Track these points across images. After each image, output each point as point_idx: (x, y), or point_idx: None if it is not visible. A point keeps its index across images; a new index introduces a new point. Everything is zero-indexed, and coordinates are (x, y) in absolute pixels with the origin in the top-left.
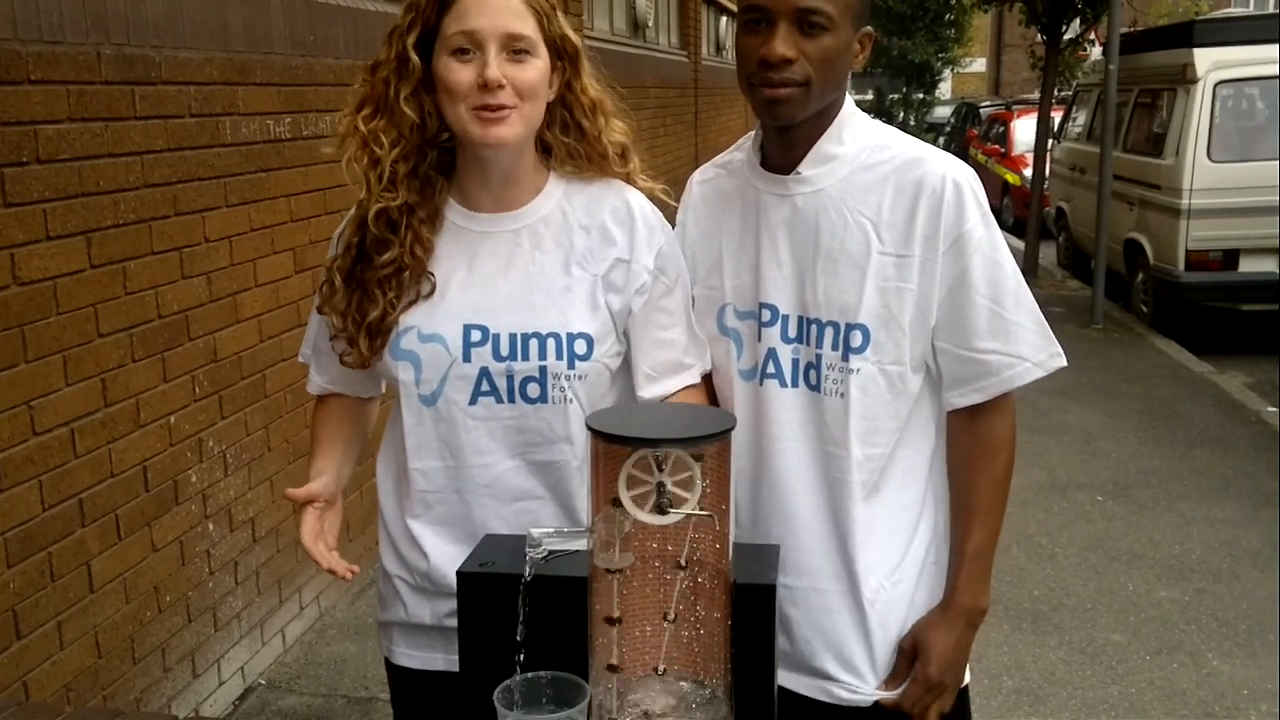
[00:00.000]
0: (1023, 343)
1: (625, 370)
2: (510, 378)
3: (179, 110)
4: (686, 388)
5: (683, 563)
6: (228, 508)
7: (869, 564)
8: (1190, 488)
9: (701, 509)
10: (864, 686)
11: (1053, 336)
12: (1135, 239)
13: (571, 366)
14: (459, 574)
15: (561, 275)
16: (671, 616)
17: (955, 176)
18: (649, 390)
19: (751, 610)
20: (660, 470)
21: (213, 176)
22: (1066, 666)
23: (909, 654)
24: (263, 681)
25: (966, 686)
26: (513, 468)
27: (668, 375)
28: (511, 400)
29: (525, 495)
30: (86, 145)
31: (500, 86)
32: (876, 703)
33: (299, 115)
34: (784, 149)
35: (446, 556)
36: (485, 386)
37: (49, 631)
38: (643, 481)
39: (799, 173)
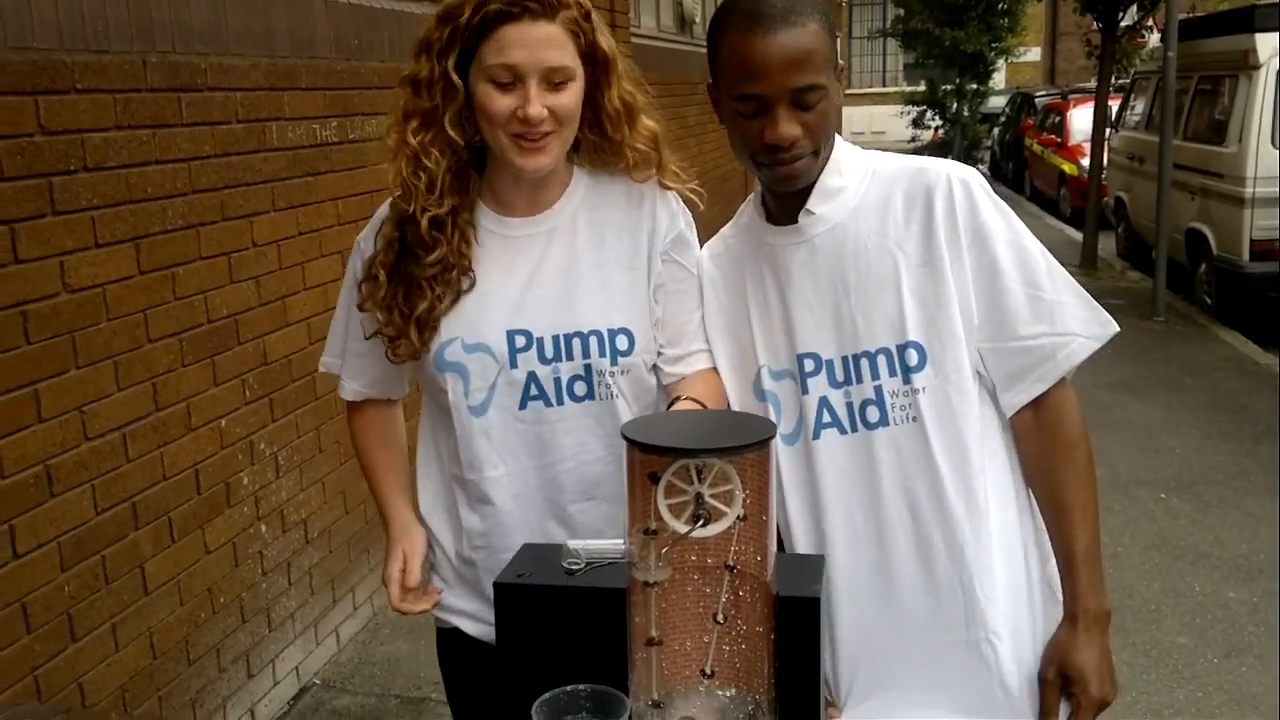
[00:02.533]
0: (1070, 318)
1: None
2: (557, 380)
3: (225, 116)
4: (707, 369)
5: (731, 563)
6: (280, 509)
7: (990, 597)
8: (1257, 484)
9: (741, 521)
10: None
11: (1097, 305)
12: (1197, 229)
13: (615, 363)
14: (496, 585)
15: (595, 271)
16: (721, 618)
17: (960, 175)
18: (673, 368)
19: (795, 623)
20: (699, 481)
21: (260, 181)
22: (1130, 670)
23: (1055, 684)
24: (317, 681)
25: None
26: (567, 470)
27: (691, 358)
28: (560, 402)
29: (581, 497)
30: (134, 153)
31: (541, 121)
32: None
33: (345, 119)
34: (790, 201)
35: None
36: (534, 391)
37: (104, 634)
38: (681, 492)
39: (810, 211)
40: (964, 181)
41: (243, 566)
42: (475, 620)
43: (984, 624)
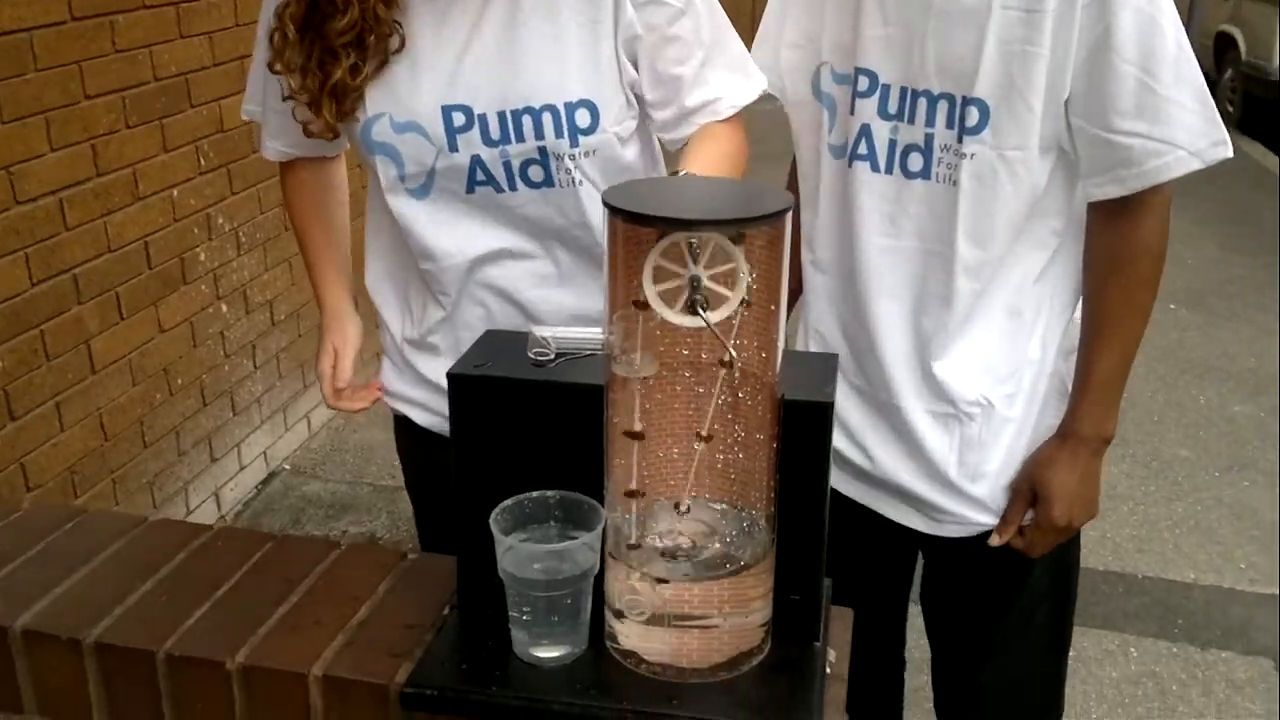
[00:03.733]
0: (1178, 125)
1: (647, 143)
2: (507, 164)
3: None
4: (715, 125)
5: (727, 361)
6: (242, 289)
7: (965, 377)
8: (1269, 298)
9: (745, 309)
10: (973, 515)
11: (1218, 119)
12: (1227, 32)
13: (575, 144)
14: (450, 376)
15: (547, 30)
16: (705, 434)
17: None
18: (673, 134)
19: (803, 431)
20: (695, 261)
21: None
22: (1129, 480)
23: (1026, 496)
24: (286, 467)
25: None
26: (528, 252)
27: (693, 116)
28: (513, 188)
29: (543, 283)
30: None
31: None
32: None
33: None
34: None
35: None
36: (480, 176)
37: (47, 413)
38: (673, 274)
39: None
40: None
41: (202, 347)
42: (425, 410)
43: (950, 400)
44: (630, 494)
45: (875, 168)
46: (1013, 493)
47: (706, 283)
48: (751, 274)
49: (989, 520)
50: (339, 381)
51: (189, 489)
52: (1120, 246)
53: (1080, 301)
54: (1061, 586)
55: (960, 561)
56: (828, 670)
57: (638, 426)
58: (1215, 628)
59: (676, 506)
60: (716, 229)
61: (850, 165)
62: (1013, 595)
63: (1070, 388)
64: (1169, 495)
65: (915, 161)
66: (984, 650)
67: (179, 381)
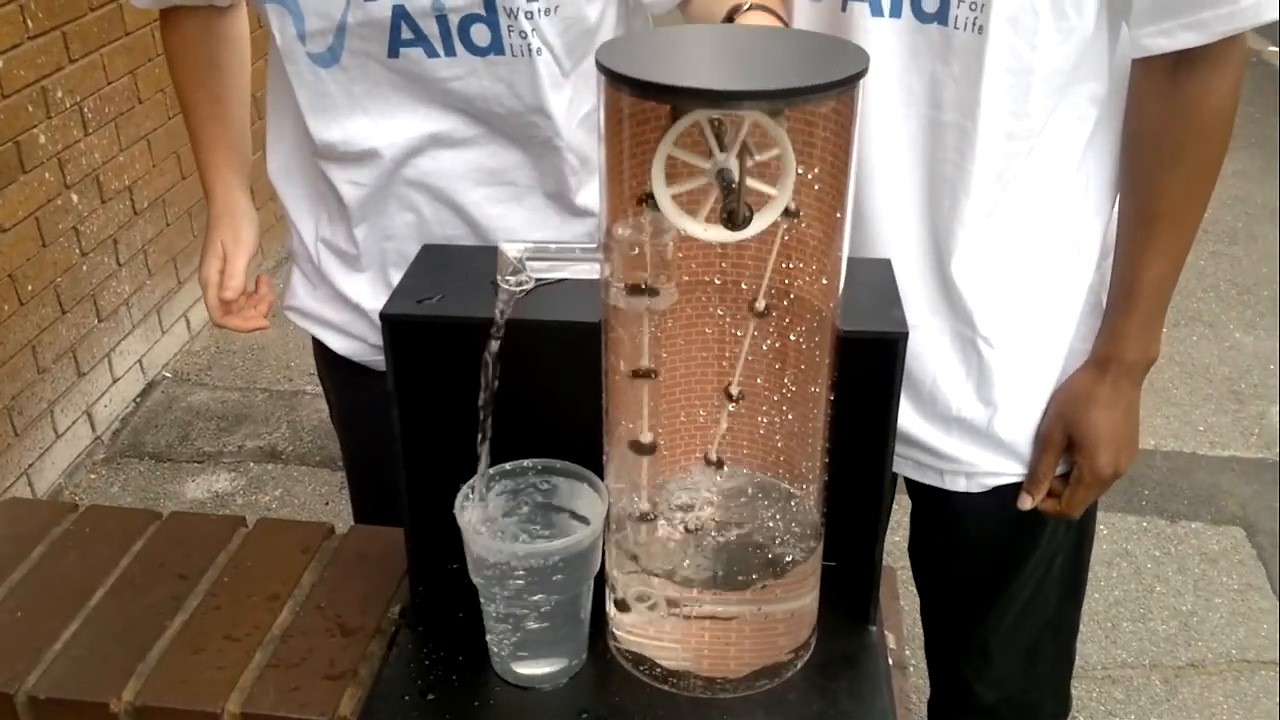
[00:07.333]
0: None
1: (623, 10)
2: (443, 18)
3: None
4: None
5: (759, 306)
6: (95, 174)
7: (987, 286)
8: None
9: (795, 213)
10: (989, 465)
11: None
12: None
13: None
14: (384, 317)
15: None
16: (734, 391)
17: None
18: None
19: (866, 374)
20: (726, 148)
21: None
22: None
23: (1059, 444)
24: (167, 375)
25: None
26: (469, 139)
27: None
28: (450, 52)
29: (489, 181)
30: None
31: None
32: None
33: None
34: None
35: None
36: (407, 33)
37: None
38: (695, 168)
39: None
40: None
41: (53, 246)
42: (344, 335)
43: (969, 321)
44: (640, 449)
45: (877, 10)
46: (1042, 441)
47: (741, 179)
48: (804, 166)
49: (1010, 470)
50: (227, 291)
51: (55, 410)
52: (1186, 120)
53: (1120, 194)
54: (1079, 528)
55: (964, 520)
56: (889, 661)
57: (646, 364)
58: (1182, 498)
59: (708, 464)
60: (762, 102)
61: (844, 8)
62: (1028, 552)
63: (1103, 302)
64: None
65: (928, 2)
66: (991, 615)
67: (29, 288)
